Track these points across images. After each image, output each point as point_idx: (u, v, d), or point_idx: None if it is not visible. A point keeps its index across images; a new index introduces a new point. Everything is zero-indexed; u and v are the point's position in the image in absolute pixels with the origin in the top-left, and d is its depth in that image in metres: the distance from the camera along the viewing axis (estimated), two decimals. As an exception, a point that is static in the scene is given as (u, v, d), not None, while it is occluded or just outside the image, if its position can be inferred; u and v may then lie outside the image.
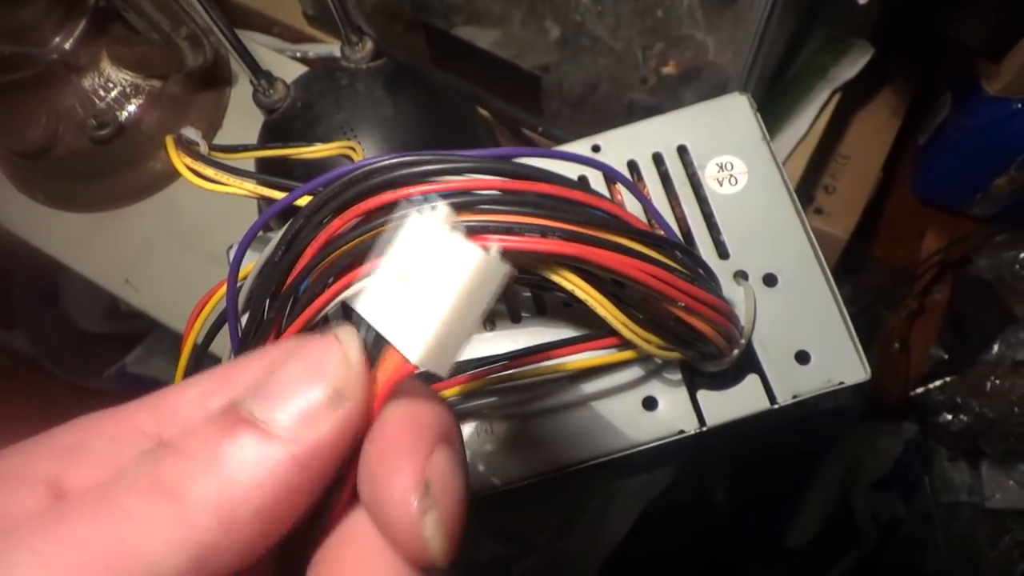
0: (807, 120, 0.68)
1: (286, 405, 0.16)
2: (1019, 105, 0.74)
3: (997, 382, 0.89)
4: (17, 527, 0.14)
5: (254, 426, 0.16)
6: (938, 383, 0.93)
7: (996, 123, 0.75)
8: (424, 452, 0.17)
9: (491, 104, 0.69)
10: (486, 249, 0.18)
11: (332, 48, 0.71)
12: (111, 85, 0.56)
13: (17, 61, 0.51)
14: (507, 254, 0.25)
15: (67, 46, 0.52)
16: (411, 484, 0.16)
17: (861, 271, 0.97)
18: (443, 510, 0.16)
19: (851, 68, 0.68)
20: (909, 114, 0.81)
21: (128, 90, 0.56)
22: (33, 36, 0.51)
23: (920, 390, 0.93)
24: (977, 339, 0.92)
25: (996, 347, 0.90)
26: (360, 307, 0.18)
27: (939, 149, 0.86)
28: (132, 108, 0.57)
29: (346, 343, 0.17)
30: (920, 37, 0.80)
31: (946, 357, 0.94)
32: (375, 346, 0.18)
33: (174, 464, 0.15)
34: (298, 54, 0.71)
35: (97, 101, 0.55)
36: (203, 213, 0.60)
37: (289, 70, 0.65)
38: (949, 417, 0.92)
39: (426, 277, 0.18)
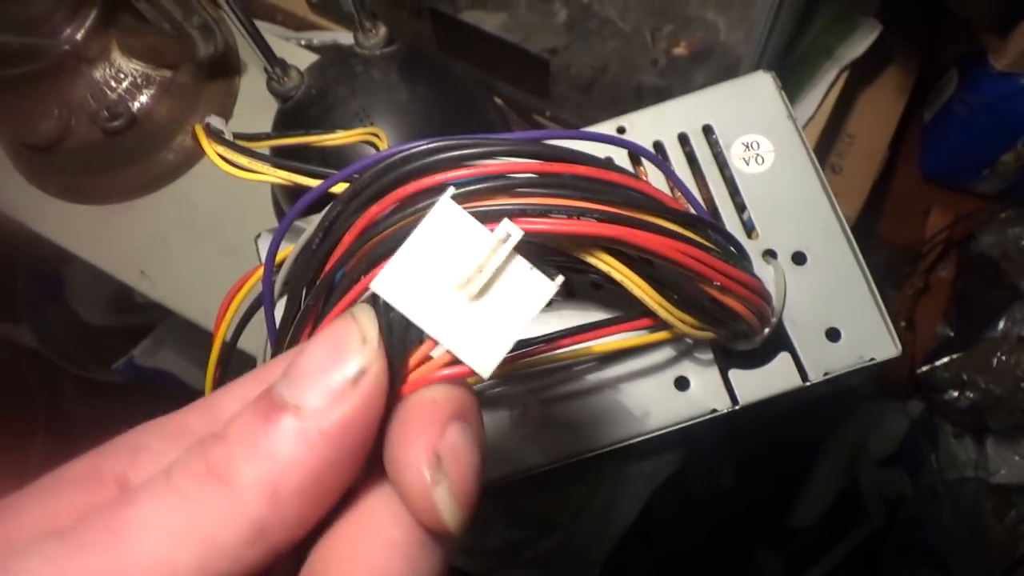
0: (815, 100, 0.68)
1: (314, 387, 0.18)
2: (1027, 81, 0.73)
3: (1003, 358, 0.90)
4: (94, 515, 0.16)
5: (287, 409, 0.17)
6: (944, 360, 0.93)
7: (1003, 99, 0.75)
8: (437, 428, 0.18)
9: (499, 89, 0.69)
10: (552, 279, 0.20)
11: (336, 35, 0.71)
12: (122, 76, 0.55)
13: (28, 53, 0.51)
14: (544, 237, 0.25)
15: (78, 37, 0.52)
16: (424, 457, 0.18)
17: (866, 250, 0.97)
18: (454, 481, 0.18)
19: (859, 46, 0.68)
20: (915, 91, 0.81)
21: (139, 80, 0.56)
22: (44, 27, 0.51)
23: (926, 368, 0.93)
24: (983, 316, 0.92)
25: (1002, 323, 0.91)
26: (417, 320, 0.19)
27: (945, 126, 0.86)
28: (144, 99, 0.56)
29: (363, 322, 0.19)
30: (925, 12, 0.80)
31: (952, 334, 0.94)
32: (403, 328, 0.20)
33: (221, 451, 0.17)
34: (302, 42, 0.71)
35: (108, 92, 0.55)
36: (216, 204, 0.60)
37: (297, 58, 0.65)
38: (955, 394, 0.92)
39: (498, 299, 0.19)
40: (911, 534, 0.95)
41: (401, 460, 0.18)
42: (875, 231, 0.97)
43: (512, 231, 0.20)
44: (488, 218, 0.25)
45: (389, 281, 0.19)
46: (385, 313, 0.20)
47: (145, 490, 0.17)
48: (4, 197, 0.62)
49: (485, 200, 0.24)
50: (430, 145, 0.24)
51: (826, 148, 0.76)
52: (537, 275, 0.19)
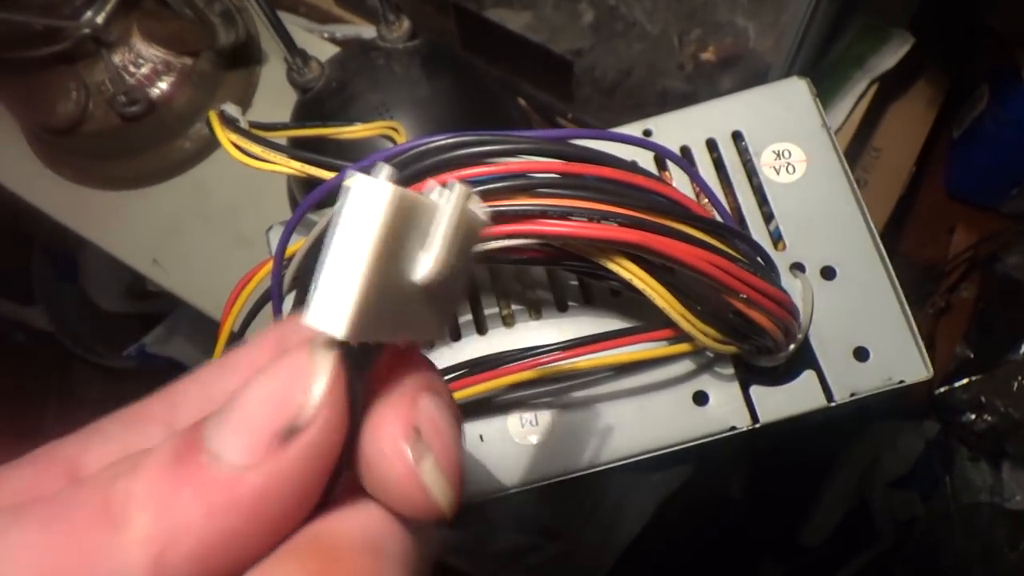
0: (843, 111, 0.67)
1: (237, 435, 0.14)
2: (1061, 99, 0.72)
3: (1024, 382, 0.88)
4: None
5: (203, 456, 0.14)
6: (963, 382, 0.91)
7: (1037, 117, 0.74)
8: (407, 402, 0.16)
9: (521, 89, 0.68)
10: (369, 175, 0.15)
11: (359, 30, 0.71)
12: (141, 61, 0.55)
13: (48, 35, 0.51)
14: (564, 240, 0.24)
15: (99, 20, 0.51)
16: (400, 433, 0.15)
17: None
18: (439, 453, 0.16)
19: (890, 58, 0.67)
20: (944, 106, 0.79)
21: (159, 67, 0.55)
22: (65, 9, 0.51)
23: (944, 389, 0.92)
24: (1004, 338, 0.91)
25: (1023, 347, 0.89)
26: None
27: (974, 143, 0.85)
28: (163, 85, 0.56)
29: (319, 362, 0.15)
30: (958, 26, 0.78)
31: (972, 356, 0.92)
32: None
33: (126, 486, 0.14)
34: (325, 35, 0.70)
35: (127, 77, 0.54)
36: (231, 194, 0.60)
37: (320, 50, 0.64)
38: (973, 417, 0.91)
39: (333, 237, 0.15)
40: (922, 557, 0.94)
41: (374, 448, 0.15)
42: (898, 248, 0.95)
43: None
44: (504, 218, 0.24)
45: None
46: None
47: (40, 510, 0.14)
48: (20, 180, 0.62)
49: (504, 199, 0.23)
50: (450, 140, 0.24)
51: (852, 161, 0.75)
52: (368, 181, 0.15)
